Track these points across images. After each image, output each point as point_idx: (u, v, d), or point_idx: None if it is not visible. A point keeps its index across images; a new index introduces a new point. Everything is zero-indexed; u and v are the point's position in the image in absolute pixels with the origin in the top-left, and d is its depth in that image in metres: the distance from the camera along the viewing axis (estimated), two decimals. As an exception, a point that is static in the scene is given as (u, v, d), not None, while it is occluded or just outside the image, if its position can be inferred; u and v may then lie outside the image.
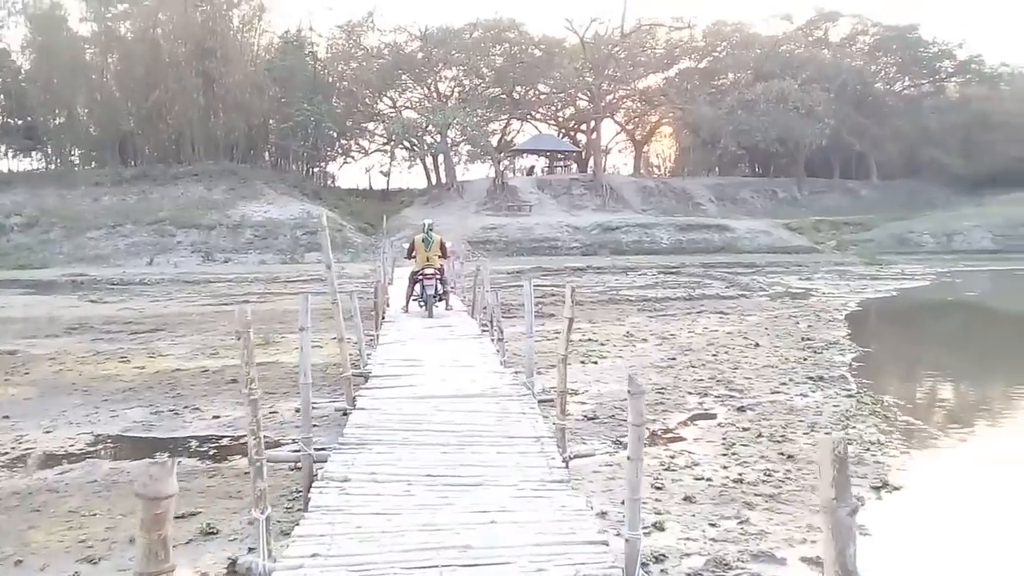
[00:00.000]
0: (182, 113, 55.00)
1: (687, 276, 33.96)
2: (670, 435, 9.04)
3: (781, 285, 29.46)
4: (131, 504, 6.88)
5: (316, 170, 64.12)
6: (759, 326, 17.82)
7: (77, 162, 58.37)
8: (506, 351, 10.66)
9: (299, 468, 6.71)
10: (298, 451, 6.46)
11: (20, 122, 59.23)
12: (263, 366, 13.48)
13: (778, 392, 11.01)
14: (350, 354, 9.09)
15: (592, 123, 66.32)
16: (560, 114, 71.95)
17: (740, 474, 7.49)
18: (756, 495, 6.94)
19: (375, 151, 66.67)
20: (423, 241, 15.53)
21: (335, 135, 61.11)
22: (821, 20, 71.56)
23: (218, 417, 10.04)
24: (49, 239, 45.35)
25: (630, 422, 4.20)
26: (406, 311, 15.70)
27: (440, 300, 15.81)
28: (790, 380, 11.73)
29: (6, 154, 59.99)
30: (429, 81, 63.39)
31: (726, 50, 68.62)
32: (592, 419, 9.62)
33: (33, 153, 59.85)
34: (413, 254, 15.68)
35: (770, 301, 23.61)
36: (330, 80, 61.61)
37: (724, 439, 8.65)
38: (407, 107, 65.34)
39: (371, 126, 65.48)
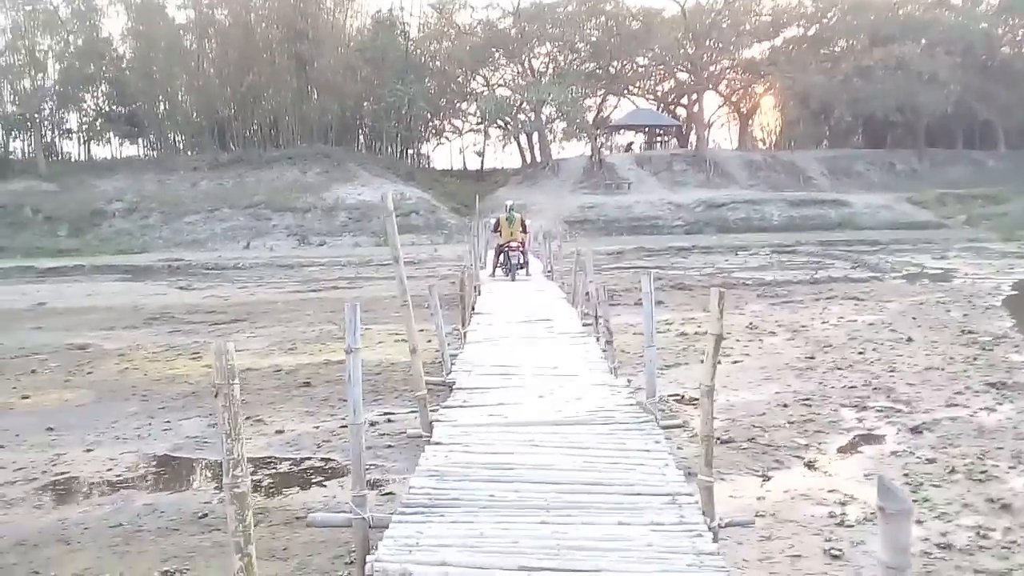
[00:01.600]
0: (276, 97, 54.99)
1: (805, 256, 31.28)
2: (832, 469, 7.09)
3: (914, 265, 26.57)
4: (149, 566, 5.55)
5: (410, 151, 63.32)
6: (904, 315, 15.44)
7: (176, 148, 59.17)
8: (615, 354, 8.82)
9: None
10: (348, 513, 4.84)
11: (123, 110, 60.56)
12: (340, 364, 12.09)
13: (955, 405, 8.87)
14: (425, 363, 7.47)
15: (694, 95, 63.28)
16: (658, 88, 69.03)
17: (943, 534, 5.52)
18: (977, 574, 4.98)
19: (468, 131, 65.56)
20: (507, 219, 18.71)
21: (428, 115, 60.12)
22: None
23: (281, 432, 8.62)
24: (148, 224, 45.86)
25: (883, 561, 2.30)
26: (493, 276, 19.11)
27: (521, 268, 18.83)
28: (966, 388, 9.53)
29: (109, 141, 61.45)
30: (523, 58, 61.56)
31: (836, 15, 64.15)
32: (726, 442, 7.75)
33: (139, 140, 61.15)
34: (498, 229, 19.02)
35: (907, 284, 20.99)
36: (422, 60, 60.59)
37: (906, 476, 6.65)
38: (500, 85, 63.84)
39: (464, 105, 64.26)
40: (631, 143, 68.07)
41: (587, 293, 12.77)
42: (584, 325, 11.99)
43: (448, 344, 13.40)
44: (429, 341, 13.21)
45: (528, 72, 61.46)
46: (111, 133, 61.97)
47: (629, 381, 8.95)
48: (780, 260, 29.87)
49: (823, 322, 14.91)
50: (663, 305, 17.81)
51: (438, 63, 61.66)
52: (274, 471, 7.58)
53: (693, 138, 64.76)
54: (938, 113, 57.50)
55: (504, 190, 52.03)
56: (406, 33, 59.36)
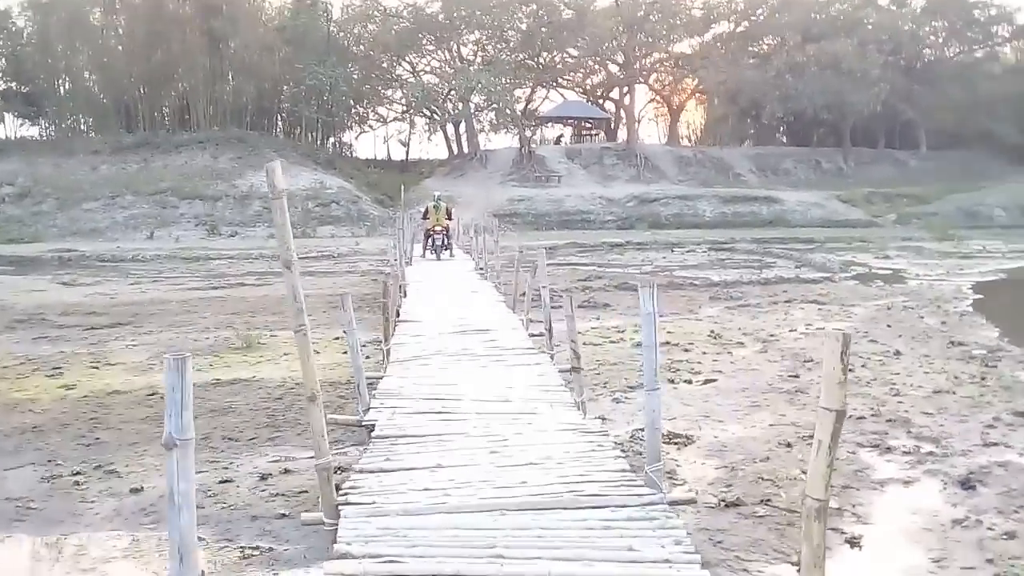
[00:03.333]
0: (187, 77, 51.41)
1: (743, 253, 30.10)
2: (887, 551, 5.31)
3: (859, 265, 25.54)
4: None
5: (331, 139, 60.37)
6: (876, 322, 14.01)
7: (79, 130, 54.96)
8: (582, 383, 6.90)
9: None
10: None
11: (21, 88, 56.07)
12: (233, 385, 9.91)
13: (994, 444, 7.26)
14: (338, 384, 5.45)
15: (624, 89, 62.10)
16: (587, 81, 67.57)
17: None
18: None
19: (394, 119, 62.98)
20: (434, 207, 22.80)
21: (351, 102, 57.36)
22: (870, -21, 66.43)
23: (138, 491, 6.40)
24: (42, 211, 42.12)
25: None
26: (423, 257, 22.85)
27: (446, 249, 23.17)
28: (995, 420, 7.96)
29: (3, 121, 56.87)
30: (451, 44, 59.32)
31: (765, 12, 63.85)
32: (735, 506, 5.90)
33: (40, 121, 56.63)
34: (426, 216, 23.35)
35: (862, 286, 19.73)
36: (346, 43, 57.73)
37: (990, 562, 4.92)
38: (427, 72, 61.48)
39: (389, 92, 61.65)
40: (560, 136, 66.49)
41: (531, 296, 10.91)
42: (531, 336, 10.13)
43: (367, 357, 11.40)
44: (343, 353, 11.14)
45: (457, 59, 59.28)
46: (7, 113, 57.45)
47: (602, 420, 7.07)
48: (719, 258, 28.56)
49: (791, 330, 13.34)
50: (609, 308, 16.11)
51: (362, 47, 58.85)
52: (118, 565, 5.39)
53: (622, 132, 63.68)
54: (866, 112, 57.60)
55: (431, 181, 49.79)
56: (328, 14, 56.34)
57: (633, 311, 15.78)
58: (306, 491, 6.19)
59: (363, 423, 6.26)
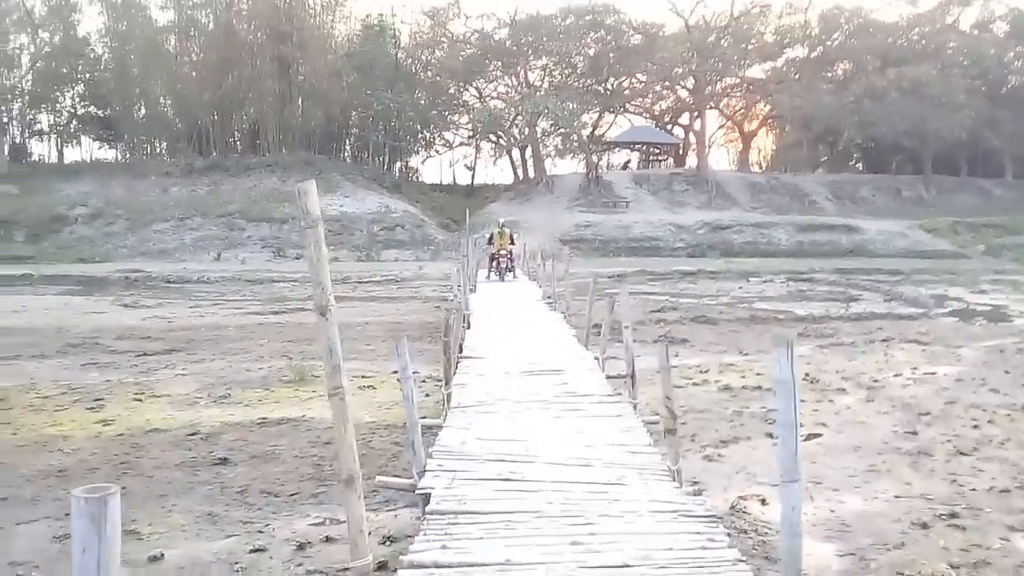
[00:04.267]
0: (258, 102, 51.90)
1: (825, 285, 28.42)
2: None
3: (953, 299, 23.76)
4: None
5: (398, 164, 60.29)
6: (990, 366, 12.54)
7: (153, 153, 56.00)
8: (677, 447, 5.79)
9: None
10: None
11: (99, 112, 57.53)
12: (280, 426, 9.05)
13: None
14: (394, 427, 4.50)
15: (695, 114, 60.74)
16: (655, 107, 66.44)
17: None
18: None
19: (460, 144, 62.66)
20: (499, 233, 24.50)
21: (418, 127, 57.23)
22: (951, 3, 63.79)
23: (157, 559, 5.52)
24: (113, 231, 42.66)
25: None
26: (488, 279, 24.01)
27: (510, 271, 24.54)
28: None
29: (81, 144, 58.49)
30: (518, 70, 58.82)
31: (840, 38, 61.88)
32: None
33: (117, 144, 57.95)
34: (491, 241, 25.00)
35: (963, 324, 18.12)
36: (413, 69, 57.79)
37: None
38: (494, 97, 61.10)
39: (456, 118, 61.44)
40: (628, 161, 65.44)
41: (607, 332, 9.85)
42: (608, 378, 9.05)
43: (426, 395, 10.46)
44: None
45: (523, 85, 58.73)
46: (85, 135, 59.07)
47: (699, 491, 5.96)
48: (800, 289, 26.99)
49: (896, 374, 11.97)
50: (688, 344, 14.90)
51: (430, 73, 58.82)
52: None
53: (691, 158, 62.28)
54: (949, 139, 55.12)
55: (496, 205, 49.14)
56: (397, 40, 56.56)
57: (714, 347, 14.60)
58: (349, 569, 5.24)
59: (417, 490, 5.27)
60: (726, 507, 6.44)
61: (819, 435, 8.71)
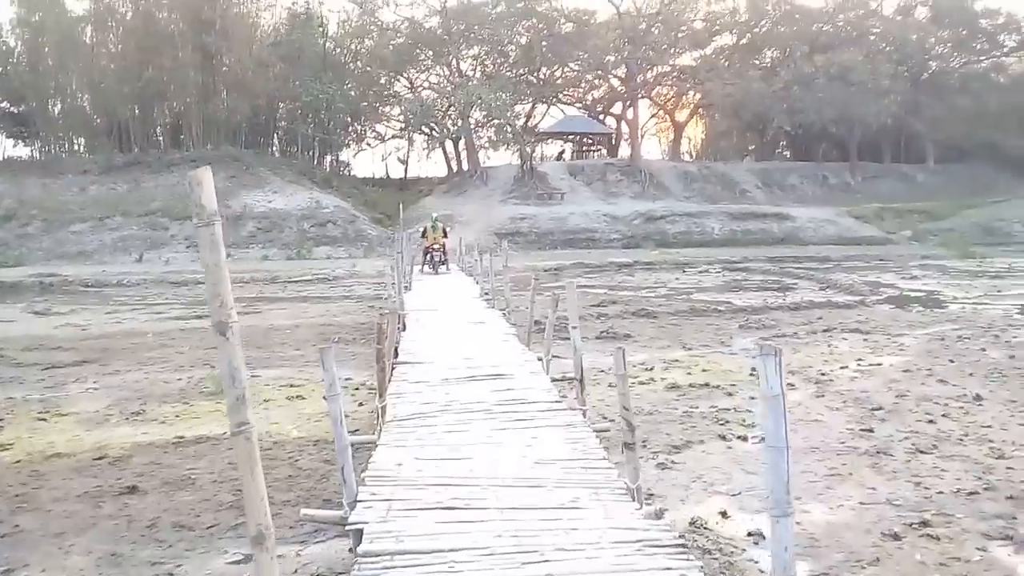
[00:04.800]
0: (180, 94, 49.96)
1: (759, 274, 28.53)
2: None
3: (886, 286, 23.99)
4: None
5: (328, 157, 58.87)
6: (934, 356, 12.45)
7: (72, 151, 53.54)
8: (636, 462, 5.28)
9: None
10: None
11: (12, 108, 54.70)
12: (198, 445, 8.31)
13: None
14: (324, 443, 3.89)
15: (627, 103, 60.79)
16: (588, 96, 66.29)
17: None
18: None
19: (392, 137, 61.54)
20: (432, 227, 25.33)
21: (348, 119, 55.98)
22: (875, -11, 65.11)
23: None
24: (27, 233, 40.59)
25: None
26: (422, 271, 24.50)
27: (443, 264, 25.13)
28: None
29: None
30: (450, 60, 57.97)
31: (768, 24, 62.55)
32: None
33: (34, 142, 55.11)
34: (424, 235, 25.80)
35: (900, 311, 18.18)
36: (343, 59, 56.48)
37: None
38: (426, 88, 60.15)
39: (387, 109, 60.35)
40: (562, 152, 65.15)
41: (551, 331, 9.34)
42: (553, 381, 8.56)
43: (360, 405, 9.82)
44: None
45: (456, 75, 57.91)
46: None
47: (663, 516, 5.47)
48: (736, 279, 27.01)
49: (842, 367, 11.78)
50: (631, 339, 14.51)
51: (359, 63, 57.57)
52: None
53: (624, 148, 62.42)
54: (874, 125, 56.32)
55: (430, 199, 48.45)
56: (325, 29, 55.05)
57: (657, 341, 14.25)
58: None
59: (348, 525, 4.67)
60: (685, 523, 5.99)
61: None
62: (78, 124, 53.59)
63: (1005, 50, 67.23)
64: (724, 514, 6.26)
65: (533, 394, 7.78)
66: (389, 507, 4.79)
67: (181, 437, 8.52)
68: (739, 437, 8.28)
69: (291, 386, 11.11)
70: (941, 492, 6.53)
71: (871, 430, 8.40)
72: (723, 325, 16.07)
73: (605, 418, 8.82)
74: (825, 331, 14.98)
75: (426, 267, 25.15)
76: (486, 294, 17.12)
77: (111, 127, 51.75)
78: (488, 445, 6.08)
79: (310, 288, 27.71)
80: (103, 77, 51.36)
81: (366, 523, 4.57)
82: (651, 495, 6.35)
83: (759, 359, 3.25)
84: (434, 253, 25.11)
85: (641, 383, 10.84)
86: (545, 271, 29.77)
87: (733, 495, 6.63)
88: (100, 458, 7.92)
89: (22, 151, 55.76)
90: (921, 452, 7.59)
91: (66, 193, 44.09)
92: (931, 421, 8.64)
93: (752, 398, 9.90)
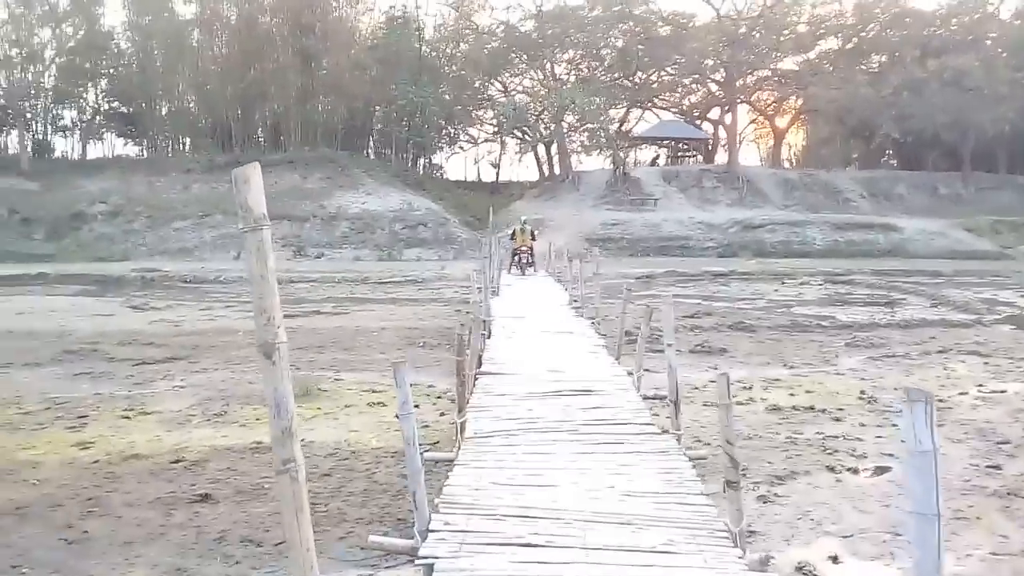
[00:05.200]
0: (280, 96, 51.08)
1: (865, 288, 27.10)
2: None
3: (1004, 304, 22.34)
4: None
5: (422, 160, 59.34)
6: (1065, 384, 11.32)
7: (177, 149, 55.59)
8: (740, 500, 4.70)
9: None
10: None
11: (123, 108, 57.18)
12: (268, 454, 8.06)
13: None
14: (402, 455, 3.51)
15: (725, 108, 59.25)
16: (684, 101, 64.92)
17: None
18: None
19: (484, 140, 61.65)
20: (520, 230, 26.41)
21: (442, 122, 56.31)
22: (990, -8, 61.70)
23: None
24: (132, 229, 42.14)
25: None
26: (509, 272, 24.84)
27: (530, 266, 25.78)
28: None
29: (103, 140, 58.21)
30: (544, 63, 57.70)
31: (876, 27, 59.90)
32: None
33: (142, 141, 57.53)
34: (513, 237, 26.75)
35: (1021, 332, 16.79)
36: (438, 62, 56.79)
37: None
38: (520, 91, 60.05)
39: (481, 113, 60.48)
40: (656, 157, 64.08)
41: (643, 345, 8.79)
42: (644, 399, 8.02)
43: (441, 414, 9.45)
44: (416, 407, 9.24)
45: (550, 78, 57.59)
46: (109, 132, 58.74)
47: (770, 566, 4.87)
48: (839, 292, 25.68)
49: (961, 392, 10.80)
50: (726, 355, 13.78)
51: (454, 67, 57.84)
52: None
53: (721, 155, 60.79)
54: (990, 133, 53.21)
55: (521, 203, 48.15)
56: (421, 33, 55.52)
57: (756, 358, 13.47)
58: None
59: (418, 560, 4.27)
60: (791, 566, 5.37)
61: (888, 468, 7.58)
62: (184, 124, 55.57)
63: None
64: (835, 559, 5.61)
65: (623, 414, 7.25)
66: (463, 540, 4.35)
67: (259, 443, 8.30)
68: (849, 469, 7.55)
69: (373, 391, 10.85)
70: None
71: (999, 467, 7.55)
72: (827, 342, 15.11)
73: (700, 441, 8.26)
74: (940, 352, 13.88)
75: (514, 268, 25.66)
76: (575, 301, 16.63)
77: (214, 128, 53.50)
78: (573, 471, 5.58)
79: (399, 290, 27.72)
80: (208, 79, 53.07)
81: (437, 558, 4.15)
82: (752, 532, 5.74)
83: (903, 406, 2.67)
84: (522, 255, 25.82)
85: (739, 403, 10.11)
86: (637, 279, 29.06)
87: (845, 537, 5.96)
88: (177, 461, 7.77)
89: (131, 150, 58.39)
90: (1061, 496, 6.73)
91: (170, 191, 45.61)
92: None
93: (862, 425, 9.10)
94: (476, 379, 8.75)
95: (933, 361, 13.10)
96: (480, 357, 10.22)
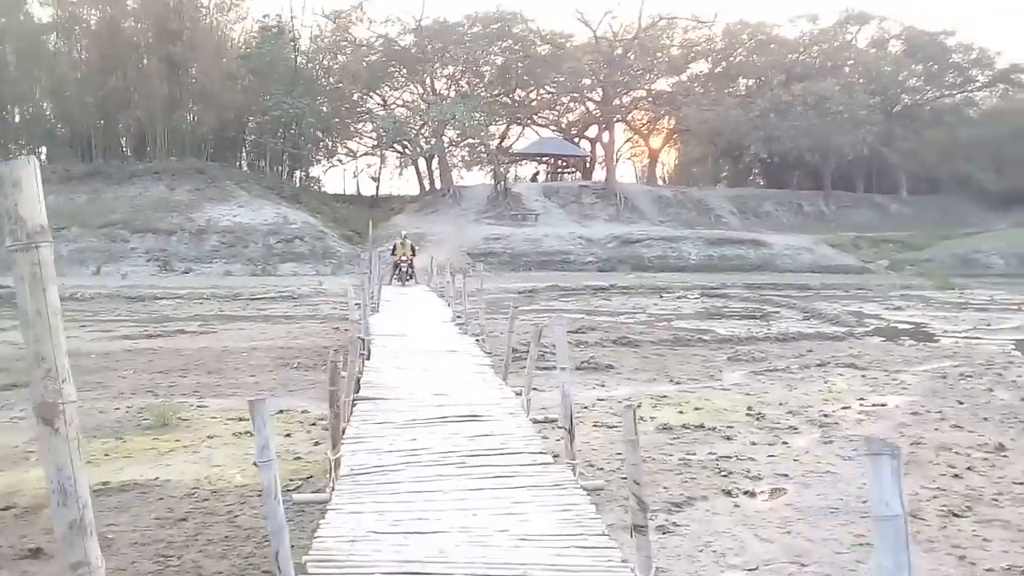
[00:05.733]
0: (144, 104, 48.43)
1: (739, 301, 27.78)
2: None
3: (871, 317, 23.28)
4: None
5: (298, 173, 57.56)
6: (939, 396, 11.57)
7: (37, 161, 51.43)
8: (649, 545, 4.24)
9: None
10: None
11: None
12: (124, 493, 7.17)
13: None
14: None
15: (602, 126, 60.32)
16: (563, 119, 65.80)
17: None
18: None
19: (364, 154, 60.39)
20: (400, 244, 28.16)
21: (319, 134, 54.84)
22: (849, 22, 65.39)
23: None
24: (-23, 244, 38.70)
25: None
26: (389, 284, 25.75)
27: (410, 278, 27.09)
28: None
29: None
30: (424, 78, 57.15)
31: (744, 53, 62.46)
32: None
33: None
34: (394, 252, 28.21)
35: (892, 345, 17.37)
36: (315, 74, 55.30)
37: None
38: (400, 105, 59.25)
39: (360, 126, 59.27)
40: (536, 173, 64.49)
41: (531, 367, 8.36)
42: (534, 423, 7.55)
43: (315, 445, 8.69)
44: (286, 436, 8.52)
45: (430, 93, 57.04)
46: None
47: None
48: (716, 306, 26.21)
49: (844, 407, 10.86)
50: (613, 371, 13.54)
51: (332, 79, 56.44)
52: None
53: (598, 172, 61.82)
54: (850, 155, 56.25)
55: (401, 218, 47.36)
56: (296, 43, 53.93)
57: (642, 373, 13.27)
58: None
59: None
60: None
61: (783, 491, 7.37)
62: (40, 133, 51.93)
63: (977, 84, 68.06)
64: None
65: (513, 441, 6.72)
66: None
67: (106, 483, 7.33)
68: (746, 492, 7.27)
69: (240, 419, 9.93)
70: (991, 570, 5.57)
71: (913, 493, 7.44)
72: (710, 356, 15.12)
73: (593, 466, 7.86)
74: (819, 365, 14.08)
75: (394, 280, 26.89)
76: (459, 317, 16.08)
77: (73, 137, 50.22)
78: (462, 512, 5.01)
79: (273, 306, 26.50)
80: (66, 86, 49.77)
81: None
82: (656, 570, 5.30)
83: (867, 459, 2.26)
84: (402, 265, 27.35)
85: (615, 420, 9.83)
86: (520, 293, 28.88)
87: (750, 570, 5.62)
88: (6, 508, 6.75)
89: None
90: (956, 515, 6.64)
91: (22, 203, 42.30)
92: (957, 476, 7.70)
93: (753, 443, 8.93)
94: (354, 405, 8.07)
95: (813, 375, 13.24)
96: (358, 380, 9.54)
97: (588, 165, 63.98)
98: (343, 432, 6.54)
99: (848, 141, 52.74)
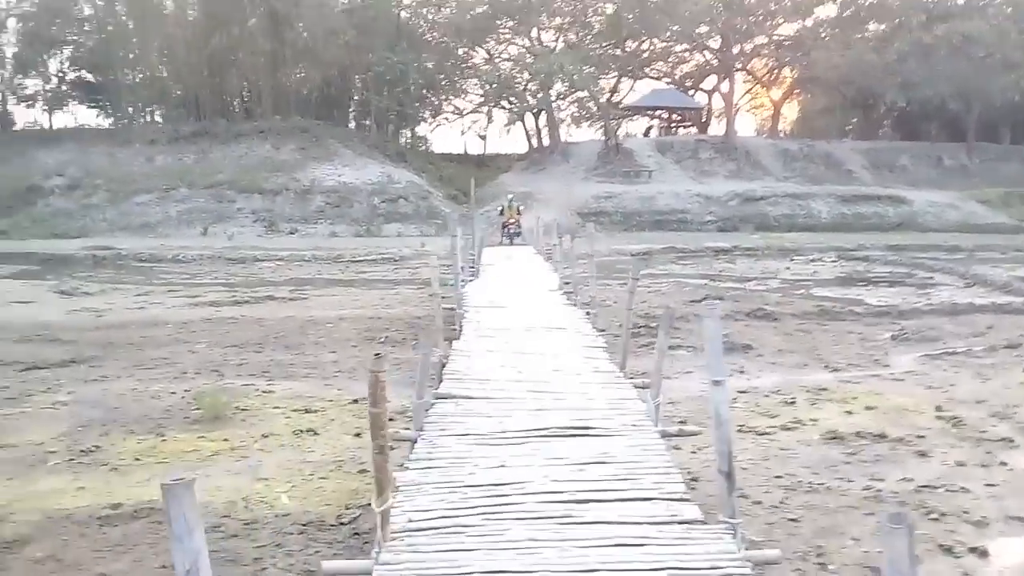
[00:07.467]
0: (249, 62, 47.99)
1: (882, 265, 24.72)
2: None
3: (1046, 285, 19.98)
4: None
5: (405, 131, 56.42)
6: None
7: (145, 119, 52.46)
8: None
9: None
10: None
11: (91, 76, 54.01)
12: (132, 520, 5.58)
13: None
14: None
15: (720, 77, 56.48)
16: (678, 70, 62.08)
17: None
18: None
19: (471, 112, 58.68)
20: (508, 206, 29.22)
21: (425, 91, 53.38)
22: (999, -46, 58.99)
23: None
24: (92, 204, 39.22)
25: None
26: (500, 244, 26.74)
27: (518, 235, 27.90)
28: None
29: (69, 110, 55.14)
30: (531, 30, 54.67)
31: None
32: None
33: (112, 111, 54.23)
34: (502, 213, 29.33)
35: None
36: (419, 29, 53.70)
37: None
38: (506, 59, 57.07)
39: (465, 82, 57.49)
40: (649, 128, 61.31)
41: (660, 361, 6.36)
42: (664, 436, 5.54)
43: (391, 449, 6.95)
44: (356, 435, 6.83)
45: (537, 45, 54.62)
46: (76, 102, 55.60)
47: None
48: (856, 270, 23.31)
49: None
50: (752, 353, 11.31)
51: (436, 34, 54.74)
52: None
53: (715, 125, 58.26)
54: (998, 102, 50.69)
55: (508, 176, 45.55)
56: (400, -3, 52.38)
57: (787, 356, 11.03)
58: None
59: None
60: None
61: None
62: (154, 94, 52.37)
63: None
64: None
65: (642, 475, 4.76)
66: None
67: (117, 505, 5.79)
68: (972, 550, 5.10)
69: (306, 412, 8.36)
70: None
71: None
72: (868, 334, 12.63)
73: (746, 501, 5.79)
74: (1008, 347, 11.45)
75: (504, 239, 27.69)
76: (566, 283, 14.12)
77: (186, 97, 50.49)
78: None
79: (373, 269, 25.20)
80: (176, 45, 49.90)
81: None
82: None
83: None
84: (510, 226, 28.16)
85: (785, 429, 7.68)
86: (633, 255, 26.57)
87: None
88: (13, 543, 5.28)
89: (96, 120, 55.25)
90: None
91: (132, 163, 42.70)
92: None
93: (960, 464, 6.67)
94: (430, 406, 6.29)
95: (1006, 360, 10.68)
96: (443, 364, 7.79)
97: (704, 119, 60.42)
98: (391, 481, 4.64)
99: (997, 87, 47.35)
